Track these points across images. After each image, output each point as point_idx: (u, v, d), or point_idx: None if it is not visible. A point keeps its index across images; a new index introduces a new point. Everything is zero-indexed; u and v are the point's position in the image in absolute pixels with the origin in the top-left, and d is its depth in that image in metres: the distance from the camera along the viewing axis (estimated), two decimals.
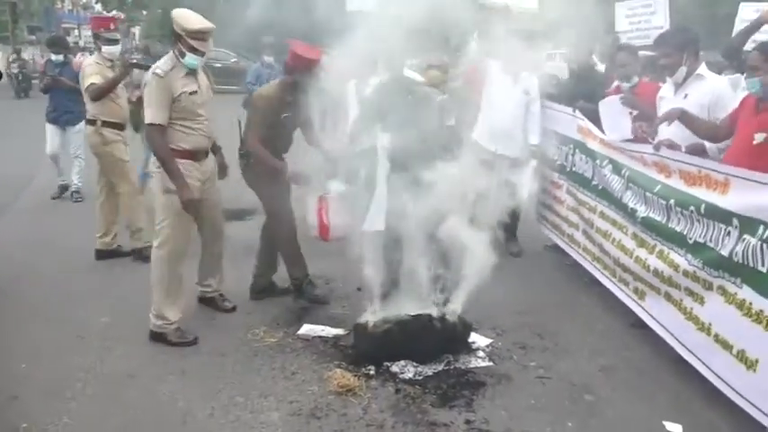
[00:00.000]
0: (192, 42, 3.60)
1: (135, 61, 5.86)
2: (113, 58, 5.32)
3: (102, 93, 5.07)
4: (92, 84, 5.06)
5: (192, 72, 3.70)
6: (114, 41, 5.33)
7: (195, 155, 3.78)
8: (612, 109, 4.50)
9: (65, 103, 7.05)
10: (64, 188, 7.39)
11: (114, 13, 6.20)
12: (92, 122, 5.22)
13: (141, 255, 5.04)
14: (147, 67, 6.43)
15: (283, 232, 4.28)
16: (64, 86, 6.95)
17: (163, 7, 27.83)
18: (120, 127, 5.31)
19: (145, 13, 32.32)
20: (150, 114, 3.59)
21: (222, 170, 4.17)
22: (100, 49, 5.26)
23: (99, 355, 3.68)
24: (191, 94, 3.68)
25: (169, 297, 3.77)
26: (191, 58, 3.64)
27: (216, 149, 4.08)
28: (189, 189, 3.62)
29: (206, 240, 4.17)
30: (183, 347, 3.73)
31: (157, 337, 3.78)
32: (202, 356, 3.66)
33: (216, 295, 4.29)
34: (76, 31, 48.90)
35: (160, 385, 3.35)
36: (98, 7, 33.09)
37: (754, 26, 3.99)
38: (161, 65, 3.62)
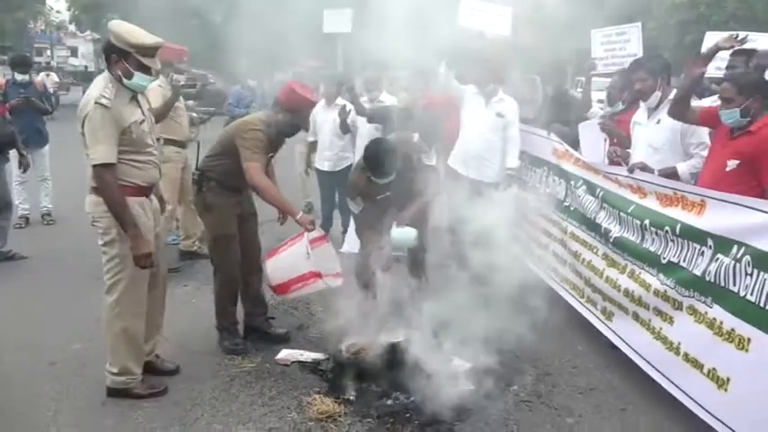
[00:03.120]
0: (143, 60, 3.13)
1: (182, 83, 6.17)
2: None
3: (159, 116, 5.15)
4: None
5: (134, 97, 3.25)
6: (181, 72, 5.84)
7: (148, 190, 3.36)
8: (592, 133, 4.59)
9: (33, 124, 6.94)
10: (26, 220, 7.05)
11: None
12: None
13: (194, 255, 5.80)
14: (193, 86, 6.58)
15: (221, 270, 3.99)
16: (35, 107, 6.86)
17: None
18: (180, 144, 5.57)
19: None
20: (101, 153, 3.06)
21: (162, 204, 3.65)
22: (167, 75, 5.54)
23: (71, 382, 3.58)
24: (140, 123, 3.22)
25: (133, 351, 3.37)
26: (140, 79, 3.17)
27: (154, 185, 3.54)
28: (145, 241, 3.18)
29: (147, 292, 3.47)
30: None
31: (118, 393, 3.36)
32: (179, 383, 3.58)
33: (152, 358, 3.66)
34: (49, 52, 48.43)
35: (135, 412, 3.27)
36: (72, 28, 32.90)
37: (712, 52, 4.11)
38: (102, 92, 3.08)
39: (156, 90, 5.49)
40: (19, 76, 6.99)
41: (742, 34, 3.83)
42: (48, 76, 15.56)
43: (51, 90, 6.84)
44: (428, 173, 4.20)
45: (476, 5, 6.45)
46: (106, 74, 3.21)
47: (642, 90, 4.13)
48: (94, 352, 3.90)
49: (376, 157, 3.84)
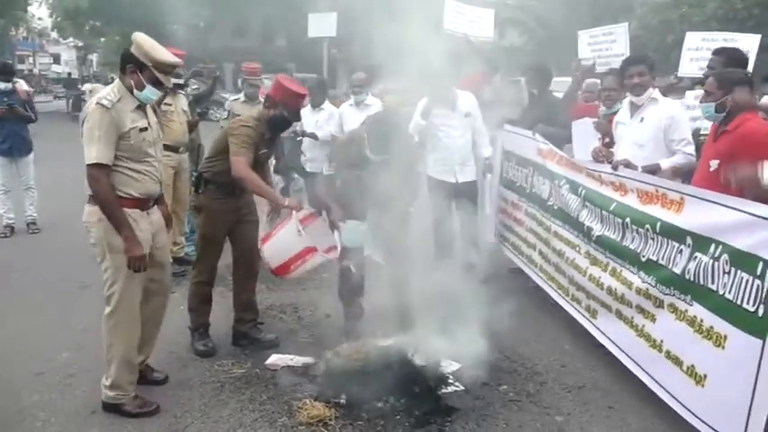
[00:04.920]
0: (159, 75, 3.17)
1: (196, 89, 6.51)
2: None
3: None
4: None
5: (141, 106, 3.24)
6: (179, 75, 5.71)
7: (144, 203, 3.29)
8: (584, 131, 4.64)
9: (17, 132, 6.89)
10: (11, 229, 6.99)
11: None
12: None
13: (182, 262, 5.72)
14: (209, 93, 6.70)
15: (197, 269, 4.10)
16: (19, 115, 6.81)
17: (121, 35, 27.68)
18: (172, 149, 5.48)
19: (102, 40, 31.93)
20: (94, 152, 3.04)
21: (168, 222, 3.63)
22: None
23: (59, 391, 3.56)
24: (141, 130, 3.19)
25: (126, 368, 3.31)
26: (150, 92, 3.20)
27: (160, 199, 3.52)
28: (138, 244, 3.15)
29: (145, 306, 3.44)
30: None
31: (112, 408, 3.32)
32: (168, 389, 3.57)
33: (142, 366, 3.59)
34: (31, 59, 48.04)
35: (125, 421, 3.26)
36: (54, 34, 32.68)
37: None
38: (106, 95, 3.10)
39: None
40: (2, 84, 6.91)
41: None
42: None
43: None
44: (415, 178, 4.23)
45: (458, 9, 6.52)
46: (116, 81, 3.23)
47: (640, 84, 4.15)
48: (82, 361, 3.89)
49: (378, 129, 3.97)
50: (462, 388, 3.61)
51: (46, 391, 3.56)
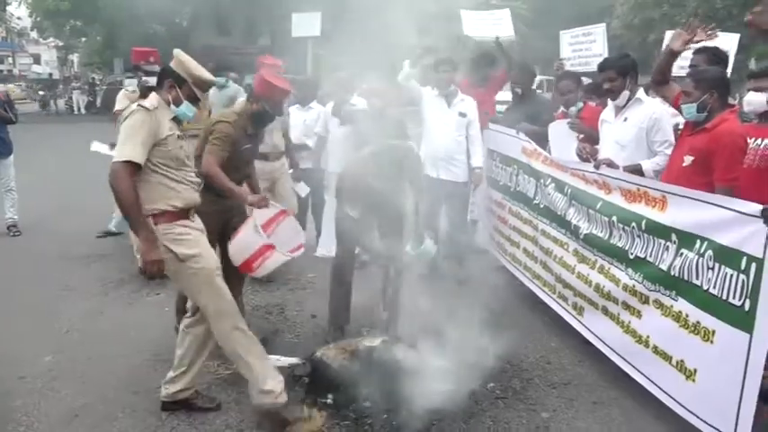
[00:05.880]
0: (196, 91, 3.22)
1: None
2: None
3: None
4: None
5: (175, 119, 3.22)
6: (153, 73, 5.56)
7: (187, 213, 3.21)
8: (561, 132, 4.67)
9: None
10: None
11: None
12: None
13: None
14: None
15: None
16: (2, 117, 6.73)
17: (102, 35, 27.40)
18: (267, 158, 5.28)
19: (84, 40, 31.57)
20: (128, 150, 2.95)
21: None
22: (140, 79, 5.53)
23: (42, 395, 3.52)
24: (179, 137, 3.18)
25: (263, 361, 3.30)
26: (187, 108, 3.21)
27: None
28: (156, 248, 3.02)
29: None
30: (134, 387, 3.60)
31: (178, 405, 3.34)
32: (153, 392, 3.54)
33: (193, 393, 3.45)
34: (11, 59, 47.40)
35: (110, 425, 3.23)
36: (34, 34, 32.26)
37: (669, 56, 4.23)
38: (149, 100, 3.12)
39: (121, 94, 5.63)
40: None
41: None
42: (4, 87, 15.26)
43: None
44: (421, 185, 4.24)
45: (475, 15, 6.62)
46: (156, 93, 3.21)
47: (611, 89, 4.19)
48: (65, 365, 3.85)
49: (385, 164, 3.88)
50: (449, 386, 3.61)
51: (29, 395, 3.51)
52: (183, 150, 3.20)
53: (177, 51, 3.26)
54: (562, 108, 5.18)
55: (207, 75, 3.25)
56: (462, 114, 5.32)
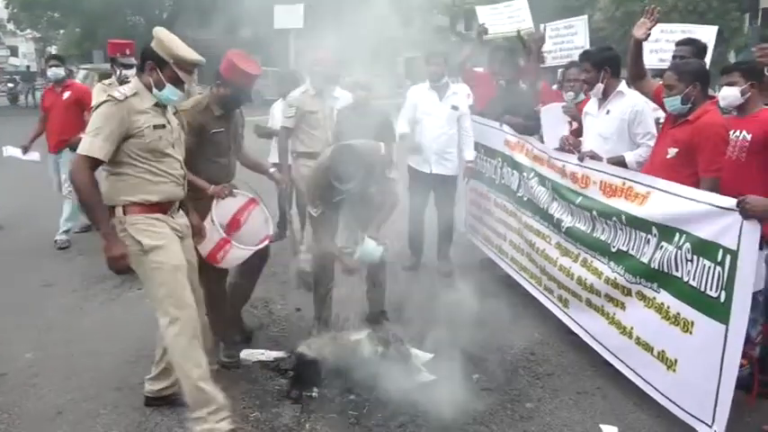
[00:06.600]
0: (180, 73, 2.98)
1: None
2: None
3: None
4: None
5: (159, 105, 3.03)
6: (130, 66, 5.58)
7: (165, 207, 3.05)
8: (553, 116, 4.69)
9: None
10: None
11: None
12: None
13: None
14: None
15: None
16: None
17: (81, 27, 26.94)
18: (314, 158, 5.08)
19: (62, 32, 31.04)
20: (87, 144, 2.82)
21: (198, 232, 3.41)
22: (116, 72, 5.51)
23: (23, 392, 3.48)
24: (156, 127, 2.96)
25: (198, 392, 3.00)
26: (170, 92, 2.99)
27: (186, 207, 3.32)
28: (117, 243, 2.89)
29: None
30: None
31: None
32: (136, 388, 3.51)
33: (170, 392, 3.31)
34: None
35: (93, 421, 3.20)
36: (10, 26, 31.66)
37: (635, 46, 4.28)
38: (120, 89, 2.95)
39: (98, 87, 5.55)
40: None
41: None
42: None
43: None
44: (389, 186, 4.13)
45: (491, 12, 6.58)
46: (135, 78, 3.05)
47: (586, 81, 4.24)
48: (47, 361, 3.81)
49: (343, 164, 3.72)
50: (433, 378, 3.63)
51: (10, 392, 3.47)
52: (164, 141, 3.00)
53: (157, 30, 3.04)
54: (556, 86, 5.11)
55: (191, 54, 3.02)
56: (455, 107, 5.30)
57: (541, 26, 5.95)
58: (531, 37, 5.98)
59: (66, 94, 6.32)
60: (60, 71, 6.42)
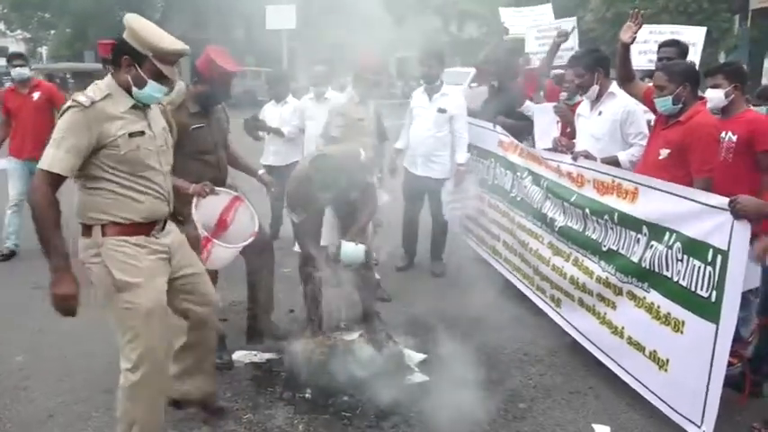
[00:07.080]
0: (162, 67, 2.52)
1: None
2: None
3: None
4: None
5: (139, 107, 2.59)
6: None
7: (147, 228, 2.63)
8: (545, 116, 4.71)
9: None
10: None
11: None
12: None
13: None
14: None
15: None
16: None
17: (72, 27, 26.83)
18: None
19: (53, 32, 30.88)
20: (48, 158, 2.39)
21: (194, 243, 3.07)
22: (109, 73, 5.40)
23: (14, 396, 3.45)
24: (132, 135, 2.51)
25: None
26: (152, 89, 2.55)
27: (183, 218, 3.12)
28: (68, 280, 2.48)
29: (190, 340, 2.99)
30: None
31: None
32: None
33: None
34: None
35: (84, 423, 3.19)
36: (1, 26, 31.46)
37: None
38: (86, 92, 2.49)
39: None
40: None
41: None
42: None
43: None
44: (370, 191, 4.10)
45: (515, 14, 6.59)
46: (109, 77, 2.58)
47: (581, 85, 4.27)
48: (37, 364, 3.78)
49: (323, 174, 3.67)
50: (427, 378, 3.63)
51: (0, 396, 3.45)
52: (143, 151, 2.56)
53: (129, 18, 2.56)
54: (554, 74, 5.12)
55: (173, 44, 2.56)
56: (441, 110, 5.20)
57: (569, 24, 5.89)
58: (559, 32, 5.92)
59: (36, 95, 5.95)
60: (25, 71, 6.04)
